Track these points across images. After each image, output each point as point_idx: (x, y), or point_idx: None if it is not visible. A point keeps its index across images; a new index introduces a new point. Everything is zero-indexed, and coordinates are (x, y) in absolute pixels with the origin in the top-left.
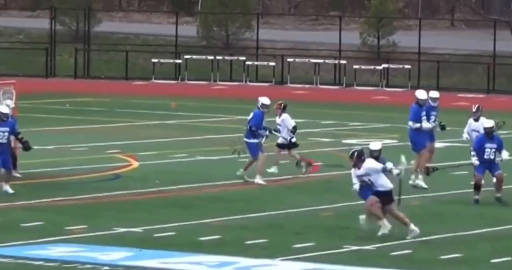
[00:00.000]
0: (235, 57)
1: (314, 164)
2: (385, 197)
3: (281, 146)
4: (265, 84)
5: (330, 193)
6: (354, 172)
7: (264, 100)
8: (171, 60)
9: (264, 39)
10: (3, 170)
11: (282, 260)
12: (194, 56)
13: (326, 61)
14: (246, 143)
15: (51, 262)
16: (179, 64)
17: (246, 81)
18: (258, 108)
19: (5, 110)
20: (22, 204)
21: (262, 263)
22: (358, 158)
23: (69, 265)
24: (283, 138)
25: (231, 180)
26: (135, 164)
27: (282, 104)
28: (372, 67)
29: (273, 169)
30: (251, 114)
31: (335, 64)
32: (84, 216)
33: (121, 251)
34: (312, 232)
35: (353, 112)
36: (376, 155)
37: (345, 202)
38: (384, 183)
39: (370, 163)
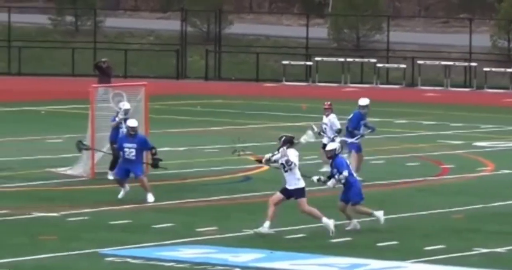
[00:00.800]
0: (366, 60)
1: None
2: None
3: (325, 146)
4: (396, 86)
5: (461, 195)
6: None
7: (361, 101)
8: (302, 62)
9: (395, 41)
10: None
11: (413, 262)
12: (324, 59)
13: (456, 63)
14: (346, 142)
15: (182, 264)
16: (310, 66)
17: (376, 84)
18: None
19: (134, 123)
20: (153, 206)
21: (393, 265)
22: (283, 143)
23: (200, 267)
24: (328, 137)
25: (364, 181)
26: (266, 166)
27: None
28: (502, 69)
29: (325, 168)
30: (351, 115)
31: (465, 67)
32: (215, 218)
33: (251, 252)
34: (443, 234)
35: (483, 114)
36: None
37: (476, 204)
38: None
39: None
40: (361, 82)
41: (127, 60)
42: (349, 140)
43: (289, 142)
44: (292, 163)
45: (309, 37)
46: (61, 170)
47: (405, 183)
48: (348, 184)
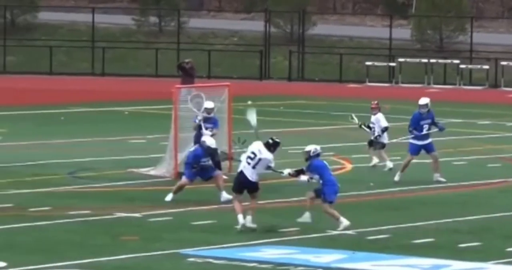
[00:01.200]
0: (449, 61)
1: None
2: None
3: (370, 144)
4: (479, 87)
5: None
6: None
7: (420, 100)
8: (385, 63)
9: (478, 42)
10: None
11: (495, 263)
12: (408, 59)
13: None
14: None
15: (264, 264)
16: (393, 67)
17: (459, 85)
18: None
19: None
20: None
21: (475, 266)
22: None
23: (282, 267)
24: (375, 134)
25: (446, 182)
26: (349, 166)
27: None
28: None
29: (389, 164)
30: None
31: None
32: (297, 218)
33: (334, 253)
34: None
35: None
36: None
37: None
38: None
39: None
40: (444, 83)
41: (210, 61)
42: (397, 140)
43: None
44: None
45: (393, 38)
46: (144, 170)
47: (486, 184)
48: (328, 183)
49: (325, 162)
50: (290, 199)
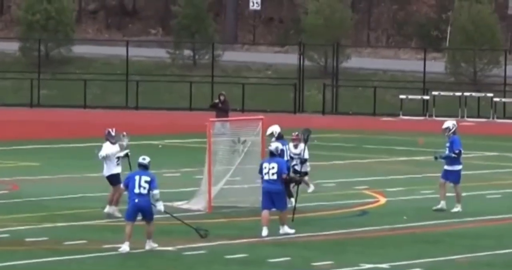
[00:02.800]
0: (483, 94)
1: None
2: None
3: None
4: None
5: None
6: None
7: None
8: (419, 97)
9: None
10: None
11: None
12: (441, 93)
13: None
14: (451, 171)
15: None
16: (427, 100)
17: (493, 118)
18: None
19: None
20: (270, 240)
21: None
22: None
23: None
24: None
25: (480, 215)
26: (383, 200)
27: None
28: None
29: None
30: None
31: None
32: (331, 252)
33: None
34: None
35: None
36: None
37: None
38: None
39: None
40: (478, 117)
41: (244, 94)
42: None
43: None
44: None
45: (426, 71)
46: (178, 203)
47: None
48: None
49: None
50: (324, 232)
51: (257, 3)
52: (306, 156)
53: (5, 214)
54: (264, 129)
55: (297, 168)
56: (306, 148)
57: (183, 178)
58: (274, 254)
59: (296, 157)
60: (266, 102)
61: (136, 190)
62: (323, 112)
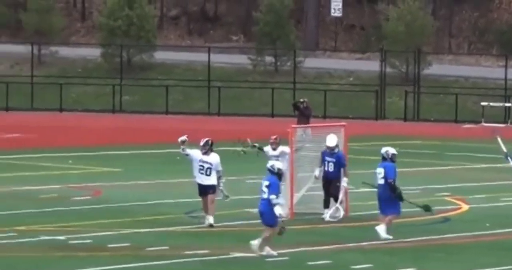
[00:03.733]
0: None
1: None
2: None
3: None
4: None
5: None
6: None
7: None
8: (501, 104)
9: None
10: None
11: None
12: None
13: None
14: None
15: None
16: (509, 107)
17: None
18: None
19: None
20: (354, 246)
21: None
22: None
23: None
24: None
25: None
26: (465, 207)
27: None
28: None
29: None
30: None
31: None
32: (413, 258)
33: None
34: None
35: None
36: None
37: None
38: None
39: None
40: None
41: (326, 101)
42: None
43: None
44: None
45: (508, 78)
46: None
47: None
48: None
49: None
50: (407, 239)
51: (338, 10)
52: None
53: (88, 219)
54: (346, 136)
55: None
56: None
57: None
58: (357, 260)
59: (275, 158)
60: (347, 108)
61: (261, 195)
62: (405, 119)
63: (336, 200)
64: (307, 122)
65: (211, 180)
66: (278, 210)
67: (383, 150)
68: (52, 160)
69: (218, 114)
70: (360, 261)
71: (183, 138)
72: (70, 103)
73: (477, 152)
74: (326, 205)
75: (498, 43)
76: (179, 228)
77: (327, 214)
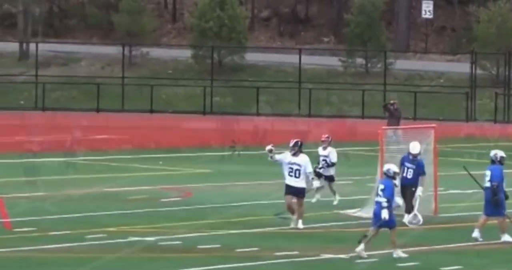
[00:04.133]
0: None
1: None
2: None
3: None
4: None
5: None
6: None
7: None
8: None
9: None
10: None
11: None
12: None
13: None
14: None
15: None
16: None
17: None
18: None
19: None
20: (443, 248)
21: None
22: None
23: None
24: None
25: None
26: None
27: None
28: None
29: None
30: None
31: None
32: (506, 260)
33: None
34: None
35: None
36: None
37: None
38: None
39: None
40: None
41: (416, 102)
42: None
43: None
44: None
45: None
46: (350, 211)
47: None
48: None
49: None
50: (497, 241)
51: (429, 11)
52: (334, 159)
53: (178, 221)
54: (436, 138)
55: (322, 171)
56: (334, 151)
57: (355, 185)
58: (446, 262)
59: (323, 158)
60: (438, 110)
61: (376, 198)
62: (495, 121)
63: (411, 207)
64: (397, 124)
65: (300, 183)
66: (384, 213)
67: (492, 152)
68: (143, 161)
69: (309, 115)
70: (450, 263)
71: (269, 147)
72: (160, 105)
73: None
74: (408, 210)
75: None
76: (269, 229)
77: (406, 220)
